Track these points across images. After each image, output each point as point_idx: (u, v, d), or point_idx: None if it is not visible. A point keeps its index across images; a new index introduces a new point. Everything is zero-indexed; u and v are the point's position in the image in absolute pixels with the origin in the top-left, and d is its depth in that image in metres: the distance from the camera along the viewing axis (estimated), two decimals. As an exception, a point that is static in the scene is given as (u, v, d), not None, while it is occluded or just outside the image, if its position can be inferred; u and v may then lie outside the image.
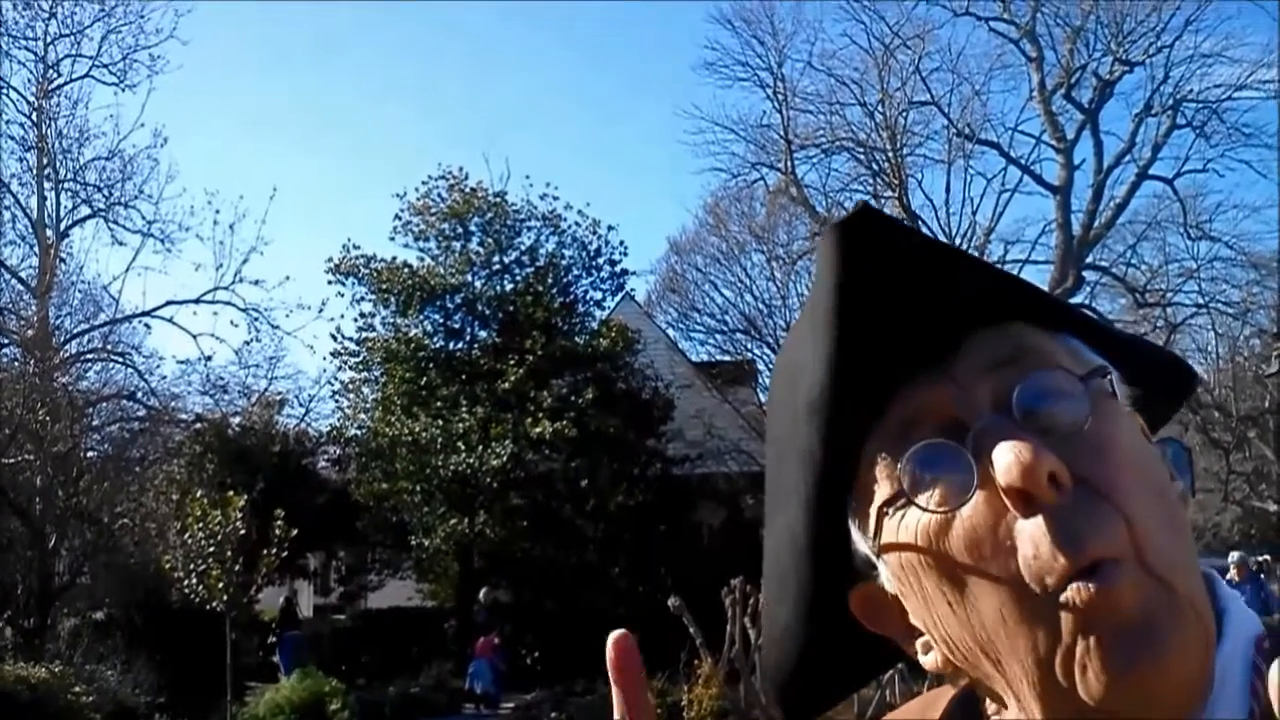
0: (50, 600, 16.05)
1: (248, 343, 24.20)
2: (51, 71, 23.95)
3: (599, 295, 23.16)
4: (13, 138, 23.44)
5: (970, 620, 0.67)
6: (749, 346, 26.56)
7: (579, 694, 15.58)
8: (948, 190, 26.18)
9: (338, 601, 25.65)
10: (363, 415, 22.75)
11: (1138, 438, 0.71)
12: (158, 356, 26.33)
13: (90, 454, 19.03)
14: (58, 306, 22.60)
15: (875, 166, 26.11)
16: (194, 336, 24.72)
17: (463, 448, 20.06)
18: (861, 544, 0.73)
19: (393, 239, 23.47)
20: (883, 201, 25.43)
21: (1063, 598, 0.62)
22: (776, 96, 26.75)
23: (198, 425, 21.97)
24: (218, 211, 28.17)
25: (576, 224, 22.60)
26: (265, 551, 13.47)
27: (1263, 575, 14.44)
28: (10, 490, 16.08)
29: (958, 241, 24.85)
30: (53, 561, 16.42)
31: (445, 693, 17.26)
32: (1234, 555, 13.33)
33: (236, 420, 23.09)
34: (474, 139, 58.92)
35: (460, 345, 22.43)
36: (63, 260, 23.51)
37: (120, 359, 22.39)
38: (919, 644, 0.74)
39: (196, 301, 23.58)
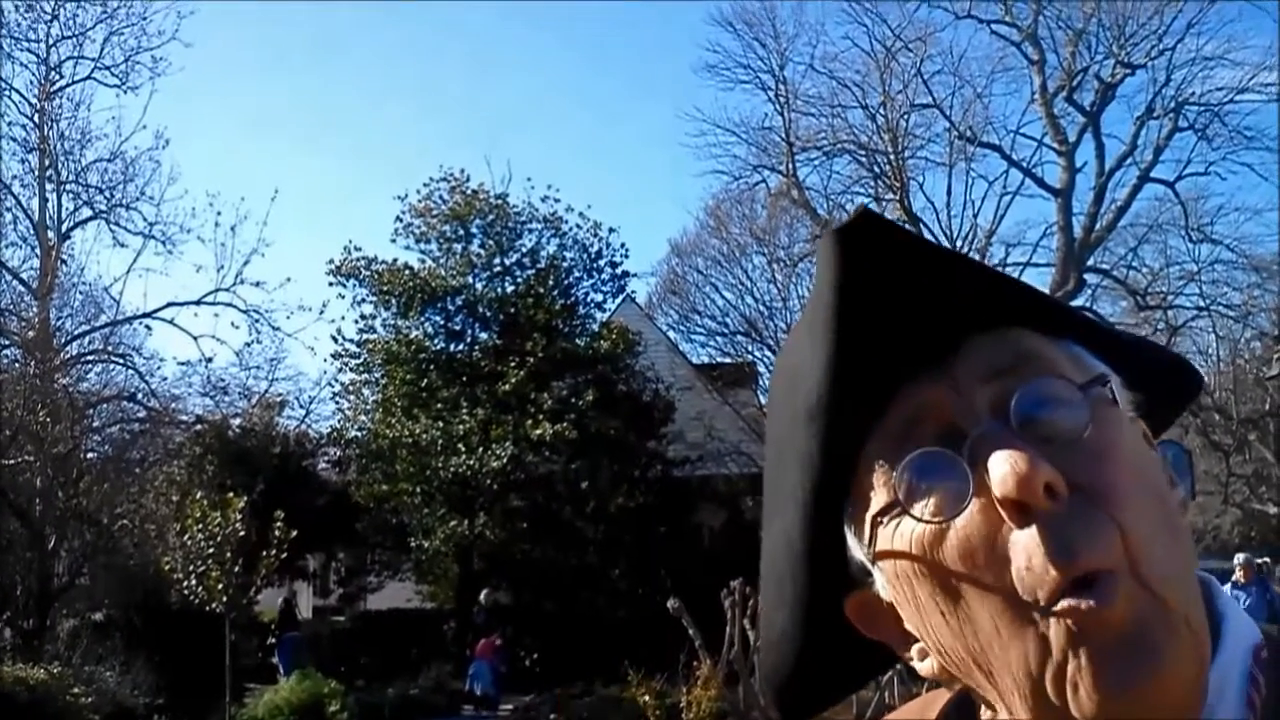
0: (49, 601, 16.05)
1: (248, 344, 24.22)
2: (53, 73, 24.00)
3: (600, 297, 23.22)
4: (15, 139, 23.49)
5: (963, 631, 0.66)
6: (750, 349, 26.61)
7: (578, 695, 15.58)
8: (949, 193, 26.24)
9: (337, 603, 25.66)
10: (363, 417, 22.78)
11: (1138, 445, 0.71)
12: (158, 358, 26.37)
13: (90, 455, 19.04)
14: (59, 308, 22.64)
15: (877, 169, 26.13)
16: (195, 338, 24.78)
17: (463, 449, 20.06)
18: (857, 551, 0.73)
19: (394, 241, 23.51)
20: (884, 204, 25.45)
21: (1055, 611, 0.62)
22: (778, 99, 26.80)
23: (198, 427, 21.98)
24: (219, 213, 28.15)
25: (578, 226, 22.66)
26: (265, 553, 13.48)
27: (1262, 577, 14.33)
28: (10, 491, 16.09)
29: (959, 244, 24.88)
30: (52, 562, 16.43)
31: (444, 694, 17.26)
32: (1240, 557, 13.05)
33: (237, 422, 23.10)
34: (475, 140, 58.96)
35: (461, 347, 22.44)
36: (64, 262, 23.55)
37: (121, 360, 22.41)
38: (915, 650, 0.74)
39: (197, 303, 23.60)
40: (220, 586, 12.93)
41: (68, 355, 21.75)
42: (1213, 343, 27.19)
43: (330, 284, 22.95)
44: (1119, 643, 0.61)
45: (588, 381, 21.09)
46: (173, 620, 16.44)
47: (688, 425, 22.71)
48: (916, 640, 0.73)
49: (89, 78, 24.36)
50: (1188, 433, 23.25)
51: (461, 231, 22.33)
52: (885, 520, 0.70)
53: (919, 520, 0.67)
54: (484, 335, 22.42)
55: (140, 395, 21.91)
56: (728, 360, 26.91)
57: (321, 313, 28.84)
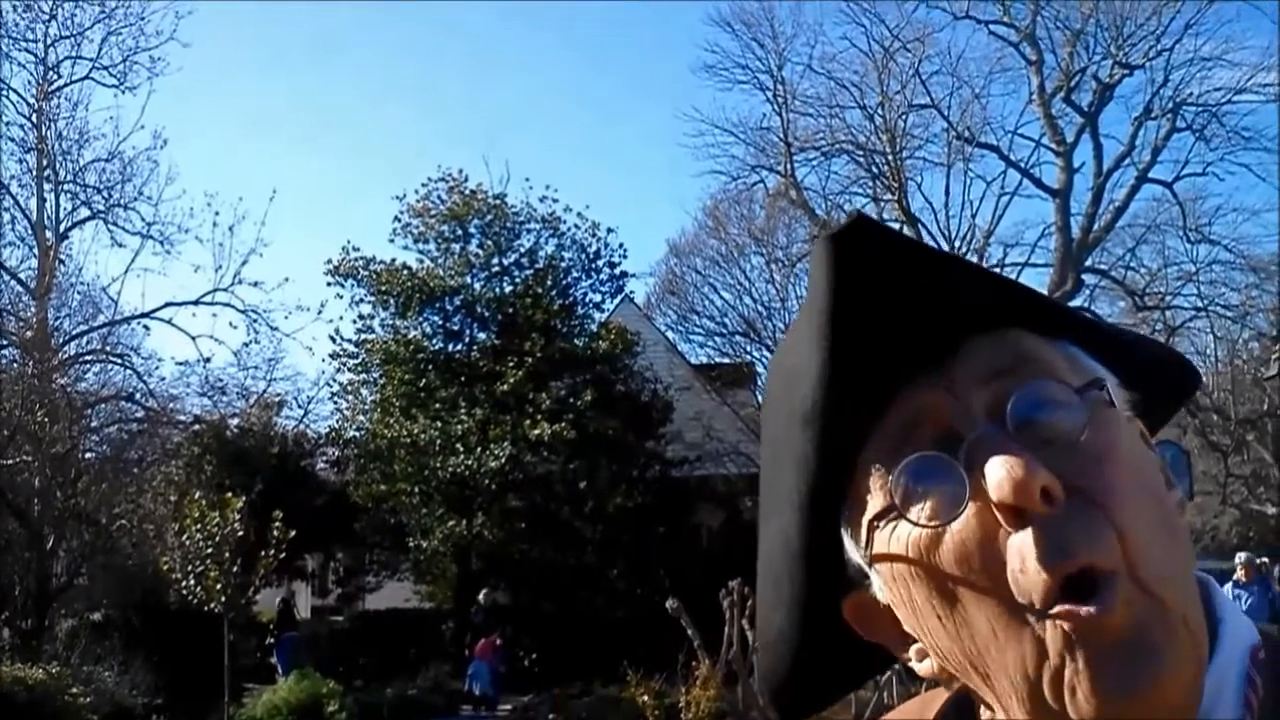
0: (48, 601, 16.05)
1: (246, 344, 24.17)
2: (51, 73, 23.95)
3: (598, 297, 23.21)
4: (12, 139, 23.45)
5: (960, 634, 0.67)
6: (748, 349, 26.64)
7: (577, 695, 15.58)
8: (947, 193, 26.26)
9: (335, 603, 25.66)
10: (361, 417, 22.77)
11: (1136, 446, 0.71)
12: (156, 358, 26.25)
13: (89, 455, 19.04)
14: (57, 308, 22.60)
15: (875, 169, 26.14)
16: (193, 338, 24.63)
17: (461, 449, 20.06)
18: (854, 553, 0.73)
19: (392, 241, 23.49)
20: (882, 204, 25.48)
21: (1052, 615, 0.62)
22: (776, 99, 26.80)
23: (196, 427, 21.96)
24: (217, 213, 28.00)
25: (576, 226, 22.65)
26: (263, 553, 13.49)
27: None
28: (8, 491, 16.08)
29: (957, 244, 24.91)
30: (50, 562, 16.42)
31: (443, 694, 17.25)
32: (1241, 556, 12.92)
33: (235, 422, 23.09)
34: (474, 140, 58.99)
35: (459, 347, 22.43)
36: (62, 262, 23.52)
37: (119, 360, 22.38)
38: (913, 651, 0.74)
39: (195, 303, 23.56)
40: (219, 586, 12.93)
41: (66, 355, 21.73)
42: (1211, 343, 27.25)
43: (328, 284, 22.97)
44: (1119, 646, 0.62)
45: (586, 381, 21.08)
46: (171, 620, 16.43)
47: (686, 425, 22.71)
48: (915, 641, 0.73)
49: (87, 78, 24.34)
50: (1186, 433, 23.27)
51: (460, 231, 22.33)
52: (882, 523, 0.70)
53: (915, 524, 0.67)
54: (482, 335, 22.42)
55: (138, 395, 21.90)
56: (726, 360, 26.92)
57: (320, 313, 28.71)
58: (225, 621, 13.34)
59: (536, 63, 52.15)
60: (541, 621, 19.83)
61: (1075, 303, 23.48)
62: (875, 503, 0.70)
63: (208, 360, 23.77)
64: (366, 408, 22.75)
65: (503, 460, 19.71)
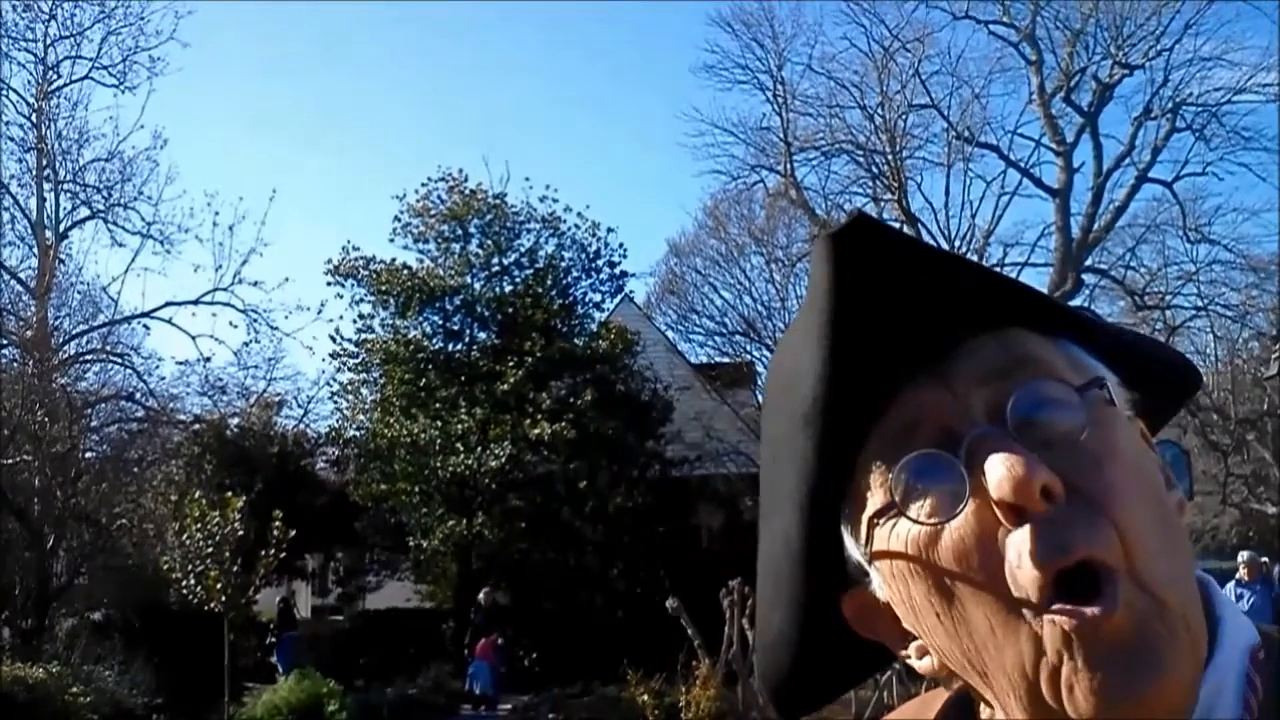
0: (48, 601, 16.05)
1: (247, 344, 24.20)
2: (51, 73, 23.97)
3: (598, 297, 23.20)
4: (12, 139, 23.46)
5: (958, 632, 0.67)
6: (748, 348, 26.63)
7: (577, 695, 15.58)
8: (947, 193, 26.24)
9: (336, 602, 25.67)
10: (361, 416, 22.76)
11: (1137, 446, 0.71)
12: (156, 358, 26.24)
13: (89, 455, 19.05)
14: (57, 307, 22.63)
15: (875, 169, 26.13)
16: (193, 338, 24.71)
17: (461, 449, 20.06)
18: (854, 551, 0.73)
19: (392, 240, 23.50)
20: (882, 204, 25.47)
21: (1054, 612, 0.62)
22: (776, 99, 26.78)
23: (196, 426, 21.97)
24: (217, 213, 28.15)
25: (576, 226, 22.65)
26: (263, 552, 13.48)
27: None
28: (9, 491, 16.08)
29: (957, 244, 24.90)
30: (51, 562, 16.43)
31: (443, 694, 17.24)
32: (1244, 555, 12.79)
33: (235, 421, 23.09)
34: (474, 140, 59.00)
35: (459, 347, 22.43)
36: (62, 261, 23.53)
37: (119, 360, 22.39)
38: (913, 648, 0.74)
39: (195, 303, 23.57)
40: (219, 586, 12.93)
41: (66, 355, 21.75)
42: (1210, 343, 27.24)
43: (328, 284, 22.97)
44: (1120, 647, 0.62)
45: (586, 381, 21.08)
46: (171, 620, 16.43)
47: (686, 425, 22.70)
48: (914, 639, 0.73)
49: (86, 77, 24.36)
50: (1186, 433, 23.26)
51: (460, 231, 22.33)
52: (882, 521, 0.70)
53: (915, 522, 0.67)
54: (482, 335, 22.42)
55: (138, 395, 21.91)
56: (726, 360, 26.91)
57: (320, 312, 28.69)
58: (225, 621, 13.33)
59: (536, 62, 52.20)
60: (541, 621, 19.83)
61: (1075, 302, 23.46)
62: (875, 500, 0.70)
63: (208, 360, 23.81)
64: (366, 407, 22.75)
65: (503, 460, 19.71)
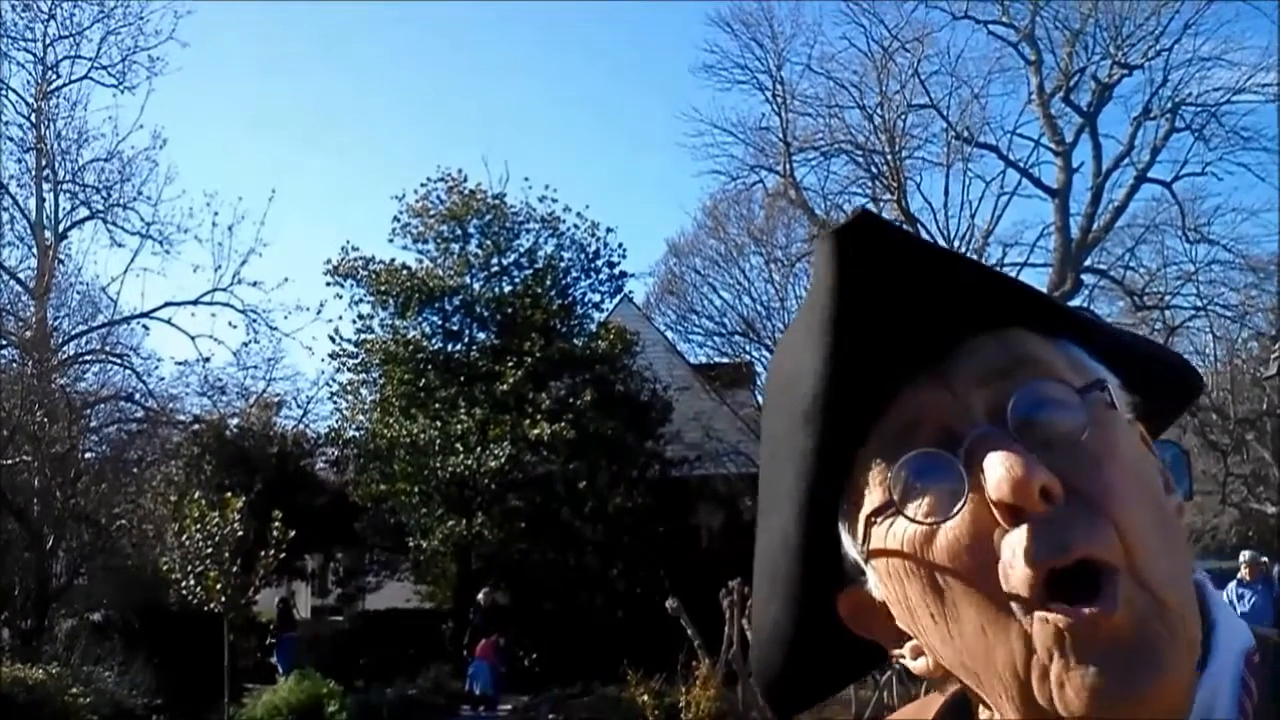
0: (48, 602, 16.04)
1: (246, 344, 24.21)
2: (50, 73, 23.97)
3: (598, 297, 23.19)
4: (11, 139, 23.47)
5: (952, 632, 0.67)
6: (747, 349, 26.63)
7: (577, 695, 15.58)
8: (946, 193, 26.25)
9: (335, 603, 25.66)
10: (361, 417, 22.75)
11: (1137, 449, 0.71)
12: (156, 358, 26.30)
13: (88, 455, 19.03)
14: (56, 308, 22.63)
15: (874, 169, 26.13)
16: (192, 338, 24.67)
17: (461, 449, 20.05)
18: (851, 549, 0.73)
19: (391, 241, 23.48)
20: (881, 204, 25.46)
21: (1050, 610, 0.62)
22: (775, 99, 26.78)
23: (196, 427, 21.96)
24: (216, 213, 28.22)
25: (575, 226, 22.64)
26: (263, 553, 13.47)
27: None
28: (8, 492, 16.07)
29: (956, 244, 24.88)
30: (50, 563, 16.42)
31: (443, 694, 17.24)
32: (1245, 554, 12.71)
33: (235, 422, 23.08)
34: (473, 140, 58.99)
35: (459, 347, 22.43)
36: (61, 261, 23.54)
37: (118, 360, 22.38)
38: (907, 649, 0.74)
39: (195, 303, 23.58)
40: (218, 587, 12.92)
41: (65, 355, 21.75)
42: (1210, 343, 27.22)
43: (328, 284, 22.94)
44: (1120, 646, 0.62)
45: (585, 381, 21.07)
46: (171, 620, 16.42)
47: (686, 425, 22.69)
48: (909, 639, 0.73)
49: (86, 77, 24.37)
50: (1185, 433, 23.24)
51: (459, 231, 22.32)
52: (879, 519, 0.70)
53: (913, 521, 0.67)
54: (482, 335, 22.41)
55: (138, 395, 21.91)
56: (725, 360, 26.91)
57: (319, 312, 28.71)
58: (225, 622, 13.32)
59: (536, 63, 52.22)
60: (541, 621, 19.83)
61: (1074, 302, 23.47)
62: (873, 498, 0.70)
63: (207, 360, 23.82)
64: (366, 408, 22.74)
65: (502, 460, 19.71)
